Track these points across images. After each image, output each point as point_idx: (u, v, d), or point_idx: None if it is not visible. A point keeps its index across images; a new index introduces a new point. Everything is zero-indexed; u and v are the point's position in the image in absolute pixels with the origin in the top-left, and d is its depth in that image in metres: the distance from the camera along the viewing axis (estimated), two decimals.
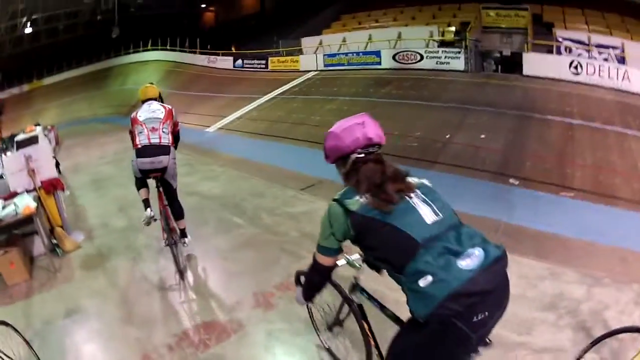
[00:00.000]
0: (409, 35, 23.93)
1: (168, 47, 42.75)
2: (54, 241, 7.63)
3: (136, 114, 6.06)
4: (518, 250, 5.44)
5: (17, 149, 7.75)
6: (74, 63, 53.55)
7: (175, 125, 6.22)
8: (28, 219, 6.71)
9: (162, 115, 6.00)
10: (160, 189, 6.05)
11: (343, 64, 24.97)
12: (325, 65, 25.87)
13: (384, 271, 2.38)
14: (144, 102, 6.27)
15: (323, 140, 2.52)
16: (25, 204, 6.79)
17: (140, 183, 6.25)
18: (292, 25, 34.04)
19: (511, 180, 9.61)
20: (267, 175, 10.13)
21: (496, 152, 11.28)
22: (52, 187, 7.77)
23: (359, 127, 2.42)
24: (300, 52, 28.65)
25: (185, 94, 29.47)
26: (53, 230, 7.73)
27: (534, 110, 14.01)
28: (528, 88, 17.08)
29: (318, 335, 4.18)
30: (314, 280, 2.86)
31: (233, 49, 35.12)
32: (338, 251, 2.52)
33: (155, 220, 6.30)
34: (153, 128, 5.87)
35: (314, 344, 4.15)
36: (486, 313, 2.06)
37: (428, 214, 2.22)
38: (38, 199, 7.36)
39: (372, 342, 3.03)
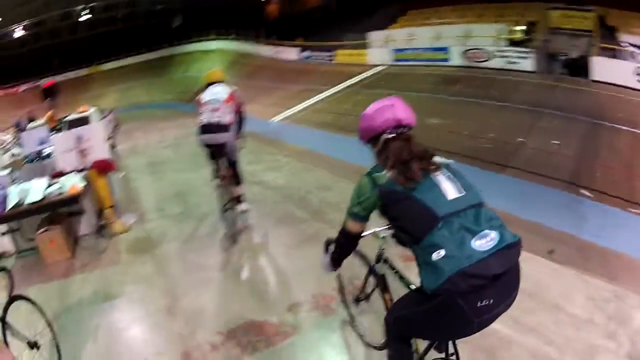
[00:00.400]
0: (477, 32, 23.15)
1: (232, 37, 43.22)
2: (102, 222, 7.56)
3: (200, 96, 6.77)
4: (586, 268, 5.24)
5: (68, 128, 7.71)
6: (133, 50, 55.04)
7: (239, 105, 6.80)
8: (73, 199, 6.52)
9: (224, 97, 6.61)
10: (222, 160, 6.75)
11: (411, 60, 24.29)
12: (394, 60, 25.23)
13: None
14: (207, 85, 6.94)
15: None
16: (72, 183, 6.69)
17: (209, 155, 6.94)
18: (357, 19, 33.54)
19: (583, 192, 9.05)
20: (333, 169, 9.72)
21: (568, 159, 10.68)
22: (103, 168, 7.61)
23: (389, 109, 2.64)
24: (367, 45, 28.03)
25: (250, 83, 29.22)
26: (102, 211, 7.63)
27: (602, 118, 13.25)
28: (596, 93, 16.23)
29: (347, 309, 4.34)
30: (342, 246, 2.98)
31: (299, 40, 34.81)
32: (365, 219, 2.66)
33: (222, 179, 6.88)
34: (214, 108, 6.52)
35: (375, 356, 3.82)
36: (491, 300, 2.16)
37: (450, 191, 2.35)
38: (88, 180, 7.25)
39: None
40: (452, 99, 16.43)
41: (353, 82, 22.84)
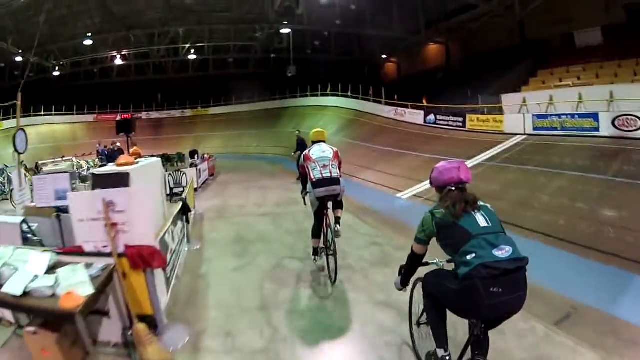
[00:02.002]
0: (620, 94, 20.15)
1: (350, 94, 41.65)
2: (131, 336, 4.98)
3: (309, 152, 7.63)
4: None
5: (94, 187, 5.63)
6: (244, 97, 55.97)
7: (341, 162, 7.70)
8: (64, 316, 4.24)
9: (331, 155, 7.53)
10: (329, 211, 7.57)
11: (555, 128, 21.14)
12: (534, 129, 22.03)
13: None
14: (314, 142, 7.91)
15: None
16: (72, 284, 4.38)
17: (318, 231, 7.71)
18: (481, 81, 31.37)
19: None
20: None
21: None
22: (141, 260, 5.09)
23: (456, 170, 4.03)
24: (501, 110, 25.43)
25: (370, 147, 27.41)
26: (132, 320, 5.05)
27: None
28: None
29: (410, 328, 5.07)
30: (409, 265, 4.30)
31: (424, 101, 32.47)
32: (426, 242, 4.02)
33: (316, 260, 8.06)
34: (324, 165, 7.37)
35: None
36: (500, 289, 3.36)
37: (481, 221, 3.67)
38: (113, 271, 4.93)
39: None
40: (617, 180, 13.45)
41: (492, 154, 19.83)
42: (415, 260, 4.19)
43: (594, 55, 26.65)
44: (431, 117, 29.81)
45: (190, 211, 9.99)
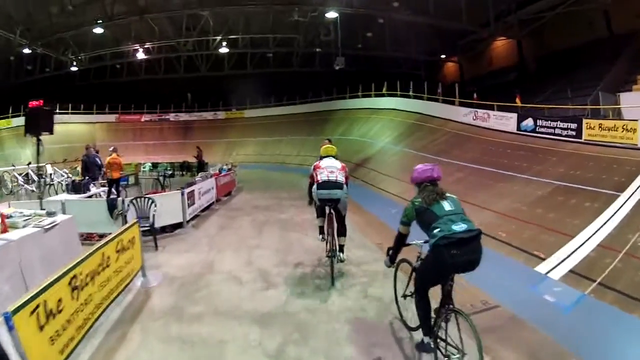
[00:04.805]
0: None
1: (411, 94, 35.56)
2: None
3: (319, 163, 8.59)
4: None
5: None
6: (284, 99, 51.41)
7: (346, 178, 8.53)
8: None
9: (339, 167, 8.48)
10: (332, 214, 8.26)
11: None
12: None
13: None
14: (323, 157, 8.75)
15: None
16: None
17: (320, 212, 8.70)
18: (571, 80, 25.91)
19: None
20: None
21: None
22: None
23: (431, 171, 5.30)
24: (619, 114, 19.15)
25: (449, 163, 20.52)
26: None
27: None
28: None
29: (397, 302, 6.46)
30: (395, 244, 5.54)
31: (518, 101, 25.06)
32: (408, 224, 5.23)
33: (324, 239, 8.75)
34: (331, 171, 8.28)
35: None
36: (458, 251, 4.55)
37: (447, 207, 4.85)
38: None
39: None
40: None
41: None
42: (400, 240, 5.45)
43: None
44: (529, 122, 22.36)
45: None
